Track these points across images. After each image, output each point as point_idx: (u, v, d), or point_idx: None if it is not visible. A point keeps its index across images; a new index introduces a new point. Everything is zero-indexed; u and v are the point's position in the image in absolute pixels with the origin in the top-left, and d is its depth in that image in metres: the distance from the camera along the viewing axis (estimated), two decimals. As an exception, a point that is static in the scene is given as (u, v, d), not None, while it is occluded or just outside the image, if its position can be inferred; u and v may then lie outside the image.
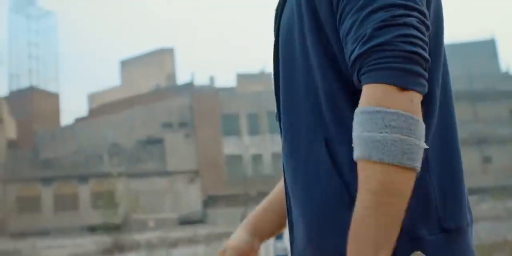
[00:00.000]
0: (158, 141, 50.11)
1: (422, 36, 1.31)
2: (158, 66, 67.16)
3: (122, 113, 53.92)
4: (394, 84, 1.27)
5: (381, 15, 1.31)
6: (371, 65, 1.29)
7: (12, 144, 53.38)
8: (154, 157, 49.59)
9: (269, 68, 59.75)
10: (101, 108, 60.54)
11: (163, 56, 68.09)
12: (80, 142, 52.89)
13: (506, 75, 58.46)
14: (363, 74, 1.31)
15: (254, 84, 54.43)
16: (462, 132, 47.39)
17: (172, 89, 58.57)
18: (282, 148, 1.59)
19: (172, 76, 66.46)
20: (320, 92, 1.47)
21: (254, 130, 50.54)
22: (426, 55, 1.31)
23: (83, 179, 48.49)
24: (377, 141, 1.25)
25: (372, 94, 1.28)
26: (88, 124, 55.44)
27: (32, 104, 61.18)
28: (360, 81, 1.32)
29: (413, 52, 1.29)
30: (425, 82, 1.31)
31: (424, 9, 1.37)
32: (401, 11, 1.32)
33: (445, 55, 1.57)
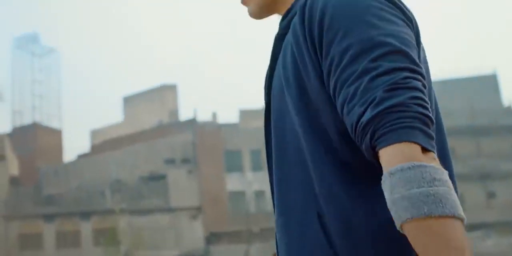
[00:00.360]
0: (161, 177, 50.01)
1: (427, 99, 1.31)
2: (160, 102, 67.35)
3: (124, 149, 53.92)
4: (417, 143, 1.25)
5: (388, 78, 1.30)
6: (387, 126, 1.26)
7: (14, 181, 53.30)
8: (157, 193, 49.44)
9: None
10: (104, 145, 60.56)
11: (165, 92, 68.32)
12: (83, 179, 52.80)
13: (508, 110, 58.49)
14: (380, 136, 1.27)
15: (256, 120, 54.47)
16: (465, 167, 47.23)
17: (174, 125, 58.63)
18: (276, 222, 1.55)
19: (174, 112, 66.59)
20: (309, 166, 1.44)
21: (257, 166, 50.43)
22: (433, 117, 1.31)
23: (85, 215, 48.30)
24: (432, 195, 1.20)
25: (401, 153, 1.24)
26: (91, 160, 55.40)
27: (35, 140, 61.24)
28: (373, 147, 1.29)
29: (425, 115, 1.28)
30: (434, 144, 1.30)
31: (423, 70, 1.36)
32: (407, 74, 1.31)
33: (436, 101, 1.54)
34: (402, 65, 1.32)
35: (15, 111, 67.70)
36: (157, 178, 50.17)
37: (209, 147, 50.01)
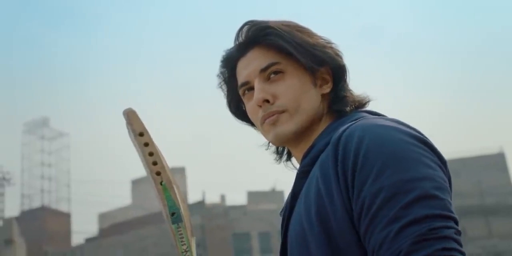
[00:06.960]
0: (170, 261, 49.46)
1: (461, 249, 1.27)
2: (169, 185, 67.26)
3: (132, 233, 53.59)
4: None
5: (417, 228, 1.26)
6: None
7: (22, 266, 52.74)
8: (165, 277, 48.82)
9: (280, 186, 58.90)
10: (112, 228, 60.23)
11: (174, 175, 67.98)
12: (91, 263, 52.30)
13: (517, 189, 58.16)
14: None
15: (265, 202, 54.33)
16: (476, 248, 46.63)
17: (183, 208, 58.35)
18: None
19: (183, 194, 66.44)
20: None
21: (266, 250, 49.89)
22: None
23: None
24: None
25: None
26: (99, 244, 55.01)
27: (43, 224, 60.95)
28: None
29: None
30: None
31: (455, 215, 1.33)
32: (439, 223, 1.27)
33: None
34: (434, 211, 1.28)
35: (24, 195, 67.71)
36: (166, 262, 49.62)
37: (218, 230, 49.67)
